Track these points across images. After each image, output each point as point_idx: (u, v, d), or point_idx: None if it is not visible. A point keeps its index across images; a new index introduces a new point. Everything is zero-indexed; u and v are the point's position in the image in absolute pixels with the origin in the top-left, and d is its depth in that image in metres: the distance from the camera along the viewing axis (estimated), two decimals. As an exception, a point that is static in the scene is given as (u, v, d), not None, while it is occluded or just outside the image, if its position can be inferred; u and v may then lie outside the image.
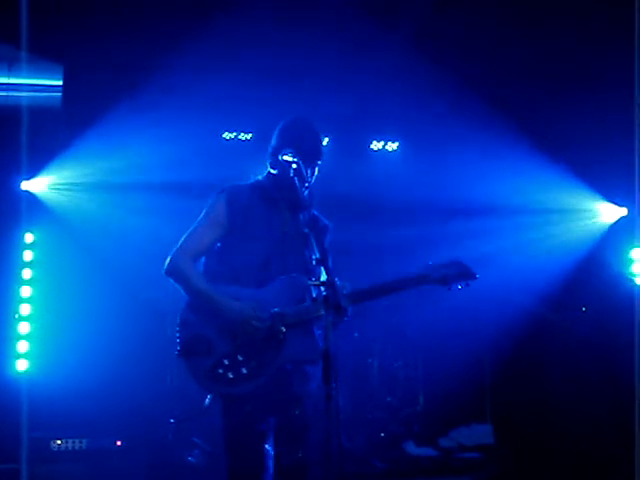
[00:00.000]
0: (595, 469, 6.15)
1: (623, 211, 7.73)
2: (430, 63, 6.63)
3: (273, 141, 3.89)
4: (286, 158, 3.69)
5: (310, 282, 3.64)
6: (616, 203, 7.72)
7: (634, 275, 7.37)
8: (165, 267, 3.78)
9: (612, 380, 7.00)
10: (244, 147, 7.31)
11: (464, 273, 3.81)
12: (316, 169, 3.86)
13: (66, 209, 6.88)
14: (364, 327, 7.23)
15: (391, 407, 7.35)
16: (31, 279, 6.67)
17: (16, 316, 6.55)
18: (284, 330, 3.64)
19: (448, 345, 7.39)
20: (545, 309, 7.58)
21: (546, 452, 6.72)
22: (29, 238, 6.70)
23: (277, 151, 3.80)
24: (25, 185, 6.75)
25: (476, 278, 3.82)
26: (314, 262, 3.39)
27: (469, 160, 7.20)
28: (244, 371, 3.59)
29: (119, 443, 6.20)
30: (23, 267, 6.66)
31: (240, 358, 3.61)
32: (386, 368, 7.48)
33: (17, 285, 6.63)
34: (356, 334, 7.29)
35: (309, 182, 3.79)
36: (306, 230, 3.61)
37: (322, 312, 3.24)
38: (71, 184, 6.87)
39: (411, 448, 7.01)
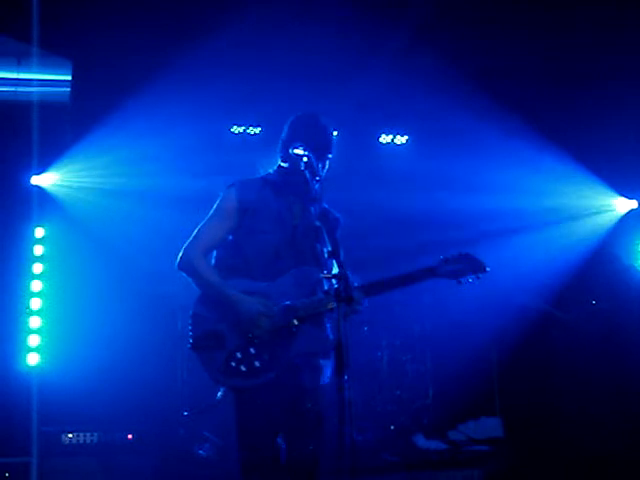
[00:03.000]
0: (603, 462, 6.13)
1: (633, 204, 7.72)
2: (441, 56, 6.61)
3: (283, 135, 3.89)
4: (297, 151, 3.68)
5: (322, 275, 3.65)
6: (626, 196, 7.71)
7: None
8: (177, 262, 3.79)
9: (620, 374, 6.98)
10: (253, 141, 7.32)
11: (475, 266, 3.79)
12: (327, 162, 3.86)
13: (76, 203, 6.89)
14: (373, 321, 7.23)
15: (400, 400, 7.34)
16: (42, 273, 6.69)
17: (27, 310, 6.57)
18: (296, 323, 3.64)
19: (457, 339, 7.38)
20: (553, 307, 7.57)
21: (555, 445, 6.71)
22: (39, 232, 6.73)
23: (288, 145, 3.79)
24: (35, 180, 6.78)
25: (487, 271, 3.79)
26: (326, 255, 3.39)
27: (479, 154, 7.18)
28: (257, 364, 3.59)
29: (130, 437, 6.22)
30: (34, 261, 6.68)
31: (253, 351, 3.61)
32: (395, 362, 7.47)
33: (28, 279, 6.65)
34: (365, 328, 7.30)
35: (320, 175, 3.79)
36: (318, 223, 3.61)
37: (334, 305, 3.23)
38: (81, 178, 6.89)
39: (421, 441, 7.00)
